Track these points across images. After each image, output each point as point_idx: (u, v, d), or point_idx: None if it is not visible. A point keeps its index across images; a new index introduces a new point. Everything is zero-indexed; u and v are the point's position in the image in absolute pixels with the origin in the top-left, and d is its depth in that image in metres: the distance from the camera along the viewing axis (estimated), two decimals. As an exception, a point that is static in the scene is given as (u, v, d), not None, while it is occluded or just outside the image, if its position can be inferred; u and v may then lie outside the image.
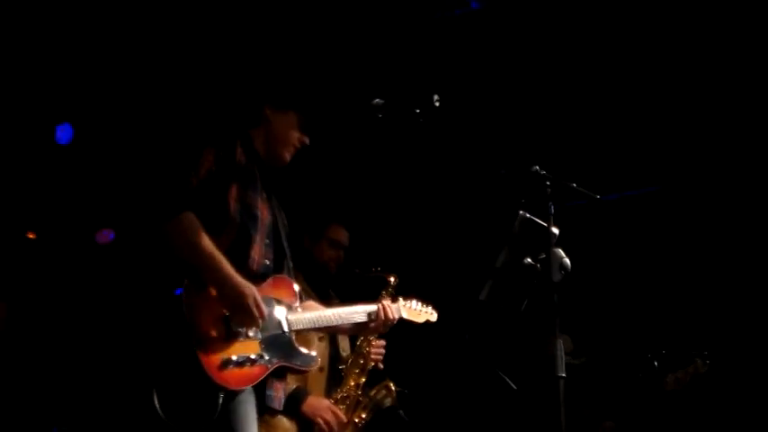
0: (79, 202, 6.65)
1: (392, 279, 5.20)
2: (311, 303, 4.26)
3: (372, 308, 4.38)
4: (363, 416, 5.06)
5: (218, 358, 3.59)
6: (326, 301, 5.20)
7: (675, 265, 6.88)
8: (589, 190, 3.86)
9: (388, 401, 5.13)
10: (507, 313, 3.85)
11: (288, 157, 4.13)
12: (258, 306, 3.71)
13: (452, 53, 6.24)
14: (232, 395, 3.62)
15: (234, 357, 3.62)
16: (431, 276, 6.60)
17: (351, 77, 6.22)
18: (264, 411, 3.91)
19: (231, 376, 3.60)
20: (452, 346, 5.81)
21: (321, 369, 5.05)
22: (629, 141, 6.70)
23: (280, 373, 3.91)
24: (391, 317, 4.37)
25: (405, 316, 4.57)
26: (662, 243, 6.92)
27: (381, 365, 5.14)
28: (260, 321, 3.74)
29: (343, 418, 4.94)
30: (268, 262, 3.93)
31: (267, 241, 3.94)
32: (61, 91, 6.44)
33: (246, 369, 3.67)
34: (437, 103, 3.81)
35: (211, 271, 3.68)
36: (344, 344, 5.25)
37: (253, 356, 3.69)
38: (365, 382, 5.10)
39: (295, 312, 3.98)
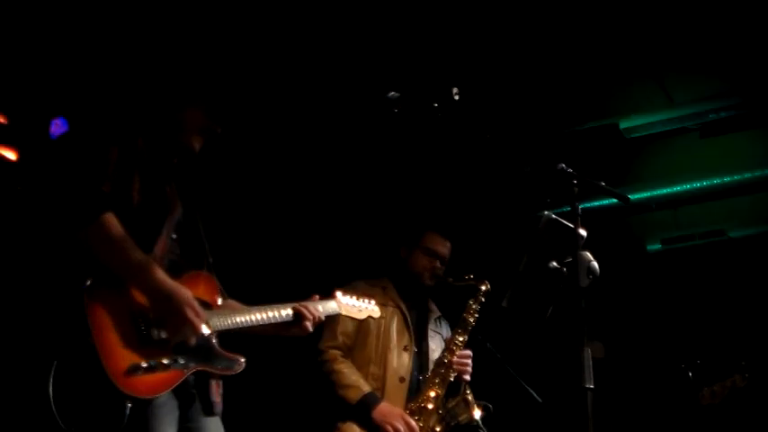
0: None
1: (483, 287, 5.38)
2: (233, 303, 4.18)
3: (290, 308, 4.25)
4: (438, 429, 5.15)
5: (124, 364, 3.51)
6: (423, 314, 5.45)
7: (714, 269, 6.88)
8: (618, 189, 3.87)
9: (464, 416, 5.21)
10: (531, 321, 3.86)
11: (197, 145, 4.08)
12: (195, 310, 3.67)
13: (472, 41, 6.25)
14: (144, 403, 3.55)
15: (143, 363, 3.54)
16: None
17: (362, 69, 6.24)
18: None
19: (141, 383, 3.52)
20: (472, 355, 5.81)
21: (402, 379, 5.17)
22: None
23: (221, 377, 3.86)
24: (312, 314, 4.21)
25: (342, 312, 4.52)
26: (700, 245, 6.92)
27: (467, 377, 5.26)
28: (201, 326, 3.69)
29: (416, 427, 5.03)
30: (173, 257, 3.87)
31: (174, 236, 3.89)
32: (56, 82, 6.49)
33: (159, 374, 3.59)
34: (456, 97, 3.82)
35: (139, 275, 3.64)
36: (437, 357, 5.35)
37: (166, 361, 3.61)
38: (446, 394, 5.22)
39: (216, 312, 3.90)
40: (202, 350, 3.78)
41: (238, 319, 3.98)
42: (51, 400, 3.46)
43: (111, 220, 3.66)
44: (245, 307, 4.14)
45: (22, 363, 5.38)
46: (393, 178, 7.11)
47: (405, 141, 6.72)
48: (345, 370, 5.17)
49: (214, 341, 3.86)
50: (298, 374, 5.02)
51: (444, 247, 5.56)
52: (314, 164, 6.96)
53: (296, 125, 6.70)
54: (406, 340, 5.33)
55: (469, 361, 5.32)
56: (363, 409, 5.04)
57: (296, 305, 4.22)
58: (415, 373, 5.28)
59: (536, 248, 3.83)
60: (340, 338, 5.27)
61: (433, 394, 5.18)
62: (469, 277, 5.42)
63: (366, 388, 5.09)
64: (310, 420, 5.38)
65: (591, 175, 3.80)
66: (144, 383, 3.54)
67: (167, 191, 3.95)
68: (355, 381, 5.13)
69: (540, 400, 5.60)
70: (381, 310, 5.06)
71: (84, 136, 3.93)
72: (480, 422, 5.21)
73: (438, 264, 5.50)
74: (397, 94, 3.83)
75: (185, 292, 3.68)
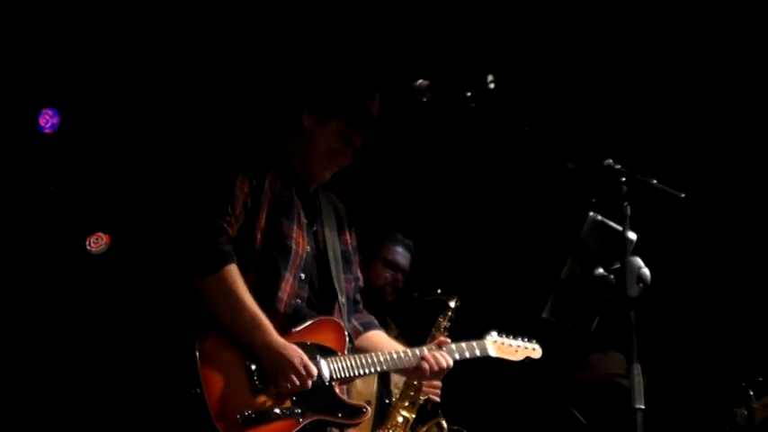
0: (68, 204, 6.75)
1: (452, 303, 5.34)
2: (378, 337, 4.41)
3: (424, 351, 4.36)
4: None
5: (233, 413, 3.74)
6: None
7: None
8: (672, 187, 3.87)
9: None
10: (575, 333, 3.87)
11: (328, 175, 4.26)
12: (307, 369, 3.88)
13: (509, 20, 6.27)
14: None
15: (252, 413, 3.78)
16: (484, 290, 6.64)
17: (389, 53, 6.26)
18: None
19: None
20: (508, 372, 5.82)
21: (367, 403, 5.15)
22: (724, 131, 6.71)
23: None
24: (444, 365, 4.33)
25: (493, 354, 4.60)
26: (756, 248, 6.91)
27: (437, 398, 5.22)
28: (309, 384, 3.89)
29: None
30: (300, 301, 4.07)
31: (302, 276, 4.08)
32: (46, 72, 6.54)
33: (270, 425, 3.80)
34: (492, 85, 3.84)
35: (247, 333, 3.86)
36: (399, 379, 5.33)
37: (277, 410, 3.82)
38: (415, 419, 5.22)
39: (339, 359, 4.08)
40: (323, 398, 3.98)
41: (362, 371, 4.15)
42: None
43: (232, 274, 3.88)
44: (383, 344, 4.38)
45: (131, 412, 5.65)
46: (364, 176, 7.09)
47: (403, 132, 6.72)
48: None
49: (336, 389, 4.04)
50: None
51: (405, 258, 5.56)
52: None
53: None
54: None
55: (440, 383, 5.23)
56: None
57: (425, 352, 4.33)
58: (381, 397, 5.30)
59: (580, 254, 3.83)
60: None
61: (401, 420, 5.18)
62: (436, 292, 5.40)
63: None
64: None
65: (642, 171, 3.81)
66: None
67: (296, 226, 4.11)
68: None
69: (584, 421, 5.62)
70: None
71: (216, 161, 4.07)
72: None
73: (400, 276, 5.50)
74: (426, 82, 3.85)
75: (295, 351, 3.88)
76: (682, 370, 6.52)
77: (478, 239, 7.23)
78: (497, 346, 4.61)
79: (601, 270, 3.77)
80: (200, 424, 3.71)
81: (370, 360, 4.17)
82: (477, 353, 4.53)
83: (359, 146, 4.29)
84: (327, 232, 4.26)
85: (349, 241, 4.42)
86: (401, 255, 5.55)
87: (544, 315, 3.82)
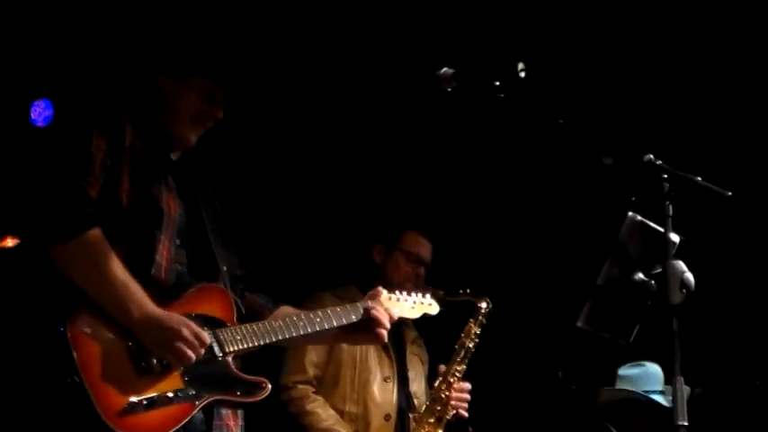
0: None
1: (483, 305, 5.31)
2: (284, 310, 4.24)
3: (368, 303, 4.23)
4: None
5: (121, 402, 3.56)
6: (399, 334, 5.37)
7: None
8: (718, 185, 3.87)
9: None
10: (612, 344, 3.87)
11: (193, 137, 4.15)
12: (199, 337, 3.72)
13: (541, 4, 6.26)
14: None
15: (142, 398, 3.60)
16: (514, 295, 6.64)
17: (410, 38, 6.27)
18: None
19: (142, 422, 3.59)
20: (543, 385, 5.85)
21: (387, 417, 5.14)
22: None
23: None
24: (384, 319, 4.19)
25: (397, 313, 4.45)
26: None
27: (465, 413, 5.22)
28: (193, 357, 3.71)
29: None
30: (180, 266, 3.92)
31: (178, 241, 3.93)
32: (39, 61, 6.56)
33: (163, 410, 3.64)
34: (522, 74, 3.84)
35: (124, 308, 3.67)
36: (418, 387, 5.32)
37: (170, 394, 3.66)
38: None
39: (228, 329, 3.92)
40: (217, 376, 3.83)
41: (258, 341, 3.98)
42: None
43: (96, 238, 3.70)
44: (292, 312, 4.19)
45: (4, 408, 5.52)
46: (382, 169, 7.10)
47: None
48: (319, 410, 5.18)
49: (231, 364, 3.89)
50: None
51: (430, 252, 5.53)
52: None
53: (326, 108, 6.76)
54: (387, 369, 5.33)
55: (468, 395, 5.26)
56: None
57: (368, 304, 4.21)
58: (402, 408, 5.28)
59: (619, 257, 3.83)
60: (310, 371, 5.27)
61: None
62: (465, 292, 5.34)
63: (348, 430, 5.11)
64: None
65: (686, 168, 3.80)
66: (146, 422, 3.60)
67: (165, 188, 3.99)
68: (333, 425, 5.14)
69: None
70: None
71: (67, 122, 3.97)
72: None
73: (422, 271, 5.47)
74: (451, 71, 3.86)
75: (179, 320, 3.71)
76: (728, 383, 6.52)
77: (508, 243, 7.23)
78: (392, 302, 4.46)
79: (641, 275, 3.77)
80: (84, 416, 3.52)
81: (267, 327, 4.01)
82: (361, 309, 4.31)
83: (223, 102, 4.18)
84: (199, 199, 4.13)
85: (221, 213, 4.27)
86: (425, 247, 5.52)
87: (579, 324, 3.82)
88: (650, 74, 6.56)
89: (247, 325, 3.99)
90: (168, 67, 4.16)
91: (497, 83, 3.82)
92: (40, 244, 3.74)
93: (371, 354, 5.30)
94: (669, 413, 3.62)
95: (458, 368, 5.26)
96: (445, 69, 3.86)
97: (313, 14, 6.21)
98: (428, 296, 4.70)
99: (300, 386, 5.20)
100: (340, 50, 6.35)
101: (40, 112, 6.73)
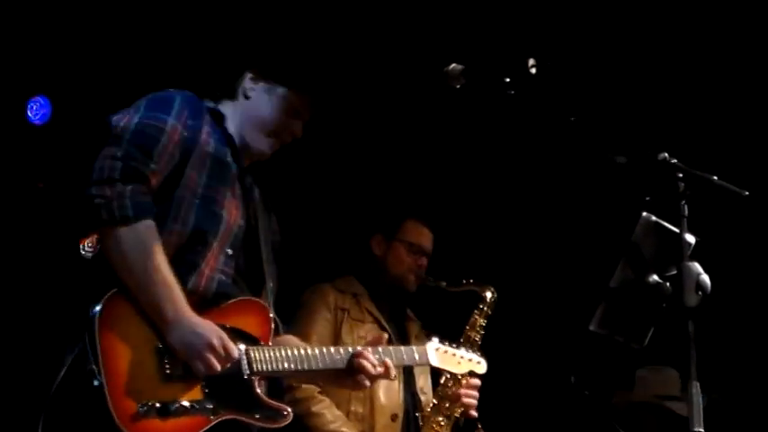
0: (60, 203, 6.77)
1: (488, 294, 5.30)
2: (289, 338, 4.18)
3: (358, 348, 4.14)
4: None
5: (134, 402, 3.50)
6: (402, 327, 5.29)
7: None
8: (735, 185, 3.86)
9: None
10: (626, 348, 3.87)
11: (269, 153, 4.14)
12: (227, 350, 3.67)
13: (551, 2, 6.28)
14: None
15: (157, 402, 3.54)
16: (527, 299, 6.65)
17: (419, 34, 6.28)
18: None
19: (151, 429, 3.53)
20: (555, 390, 5.85)
21: (394, 417, 5.14)
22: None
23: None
24: (372, 369, 4.05)
25: (436, 364, 4.53)
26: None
27: (474, 413, 5.18)
28: (226, 365, 3.68)
29: None
30: (224, 277, 3.87)
31: (230, 251, 3.90)
32: (36, 58, 6.58)
33: (176, 420, 3.57)
34: (533, 70, 3.83)
35: (159, 306, 3.62)
36: (424, 383, 5.31)
37: (186, 403, 3.60)
38: None
39: (262, 349, 3.87)
40: (240, 394, 3.78)
41: (287, 365, 3.93)
42: None
43: (151, 229, 3.64)
44: (301, 344, 4.11)
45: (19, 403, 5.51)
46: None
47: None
48: (326, 412, 5.16)
49: (257, 386, 3.84)
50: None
51: (431, 241, 5.51)
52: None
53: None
54: None
55: (477, 393, 5.19)
56: None
57: (359, 349, 4.11)
58: (408, 407, 5.27)
59: (633, 259, 3.82)
60: None
61: None
62: (468, 282, 5.35)
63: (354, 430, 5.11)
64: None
65: (702, 167, 3.80)
66: (157, 429, 3.54)
67: (228, 195, 3.94)
68: (339, 427, 5.13)
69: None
70: (358, 329, 5.13)
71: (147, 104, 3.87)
72: None
73: (425, 261, 5.46)
74: (459, 67, 3.86)
75: (213, 330, 3.66)
76: (745, 389, 6.52)
77: (521, 246, 7.23)
78: (440, 354, 4.53)
79: (655, 277, 3.76)
80: (92, 410, 3.47)
81: (297, 354, 3.95)
82: (417, 358, 4.43)
83: (306, 119, 4.17)
84: (260, 212, 4.10)
85: (276, 231, 4.26)
86: (427, 237, 5.50)
87: (592, 327, 3.81)
88: (665, 70, 6.57)
89: (282, 348, 3.94)
90: (261, 67, 4.13)
91: (507, 79, 3.80)
92: (94, 223, 3.67)
93: None
94: (684, 420, 3.61)
95: None
96: (454, 65, 3.84)
97: (322, 7, 6.22)
98: (477, 354, 4.75)
99: (305, 386, 5.17)
100: (346, 42, 6.35)
101: (36, 110, 6.75)
